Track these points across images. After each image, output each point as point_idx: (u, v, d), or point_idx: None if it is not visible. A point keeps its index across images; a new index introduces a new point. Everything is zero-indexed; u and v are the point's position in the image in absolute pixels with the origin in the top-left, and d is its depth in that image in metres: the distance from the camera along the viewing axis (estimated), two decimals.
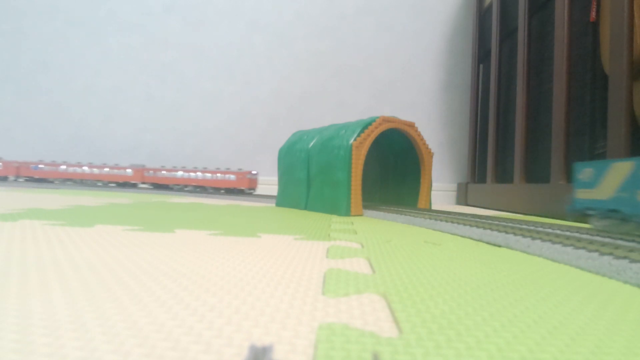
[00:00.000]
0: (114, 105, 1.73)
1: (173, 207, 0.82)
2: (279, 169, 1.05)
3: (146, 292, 0.21)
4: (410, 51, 1.69)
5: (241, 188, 1.45)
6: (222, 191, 1.50)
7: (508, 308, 0.20)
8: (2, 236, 0.37)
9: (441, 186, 1.68)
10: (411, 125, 0.87)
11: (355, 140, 0.78)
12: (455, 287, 0.24)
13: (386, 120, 0.83)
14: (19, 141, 1.75)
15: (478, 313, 0.19)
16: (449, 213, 0.69)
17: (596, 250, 0.33)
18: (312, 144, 0.91)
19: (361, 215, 0.79)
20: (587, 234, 0.45)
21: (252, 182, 1.47)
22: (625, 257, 0.30)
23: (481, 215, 0.64)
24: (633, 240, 0.38)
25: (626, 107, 0.70)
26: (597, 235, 0.43)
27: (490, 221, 0.56)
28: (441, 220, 0.57)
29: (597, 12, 0.84)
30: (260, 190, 1.70)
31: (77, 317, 0.17)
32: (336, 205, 0.80)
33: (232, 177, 1.46)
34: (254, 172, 1.47)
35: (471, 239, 0.48)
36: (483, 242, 0.45)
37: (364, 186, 1.14)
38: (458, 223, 0.54)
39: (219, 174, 1.48)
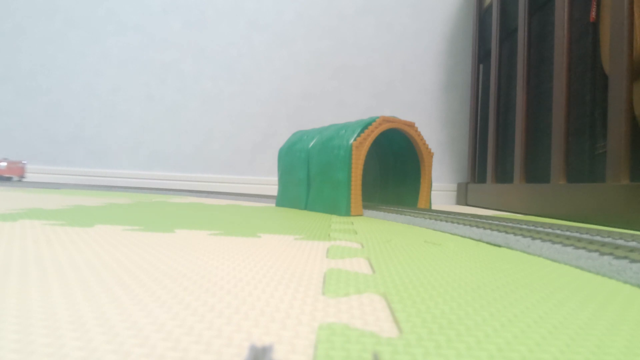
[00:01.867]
0: (114, 105, 1.73)
1: (173, 207, 0.82)
2: (279, 169, 1.05)
3: (146, 292, 0.21)
4: (410, 51, 1.69)
5: (10, 176, 1.62)
6: None
7: (508, 308, 0.20)
8: (2, 236, 0.37)
9: (441, 186, 1.68)
10: (411, 125, 0.87)
11: (355, 140, 0.78)
12: (455, 287, 0.24)
13: (386, 120, 0.83)
14: (19, 141, 1.75)
15: (478, 313, 0.19)
16: (449, 213, 0.69)
17: (596, 250, 0.33)
18: (312, 144, 0.91)
19: (361, 215, 0.79)
20: (587, 234, 0.45)
21: (22, 171, 1.64)
22: (625, 257, 0.30)
23: (481, 215, 0.64)
24: (633, 240, 0.38)
25: (626, 107, 0.70)
26: (597, 235, 0.43)
27: (490, 221, 0.56)
28: (441, 220, 0.57)
29: (597, 12, 0.84)
30: (260, 190, 1.70)
31: (77, 317, 0.17)
32: (336, 205, 0.80)
33: (4, 164, 1.61)
34: (24, 161, 1.65)
35: (471, 239, 0.48)
36: (483, 242, 0.45)
37: (364, 186, 1.14)
38: (458, 223, 0.54)
39: None
